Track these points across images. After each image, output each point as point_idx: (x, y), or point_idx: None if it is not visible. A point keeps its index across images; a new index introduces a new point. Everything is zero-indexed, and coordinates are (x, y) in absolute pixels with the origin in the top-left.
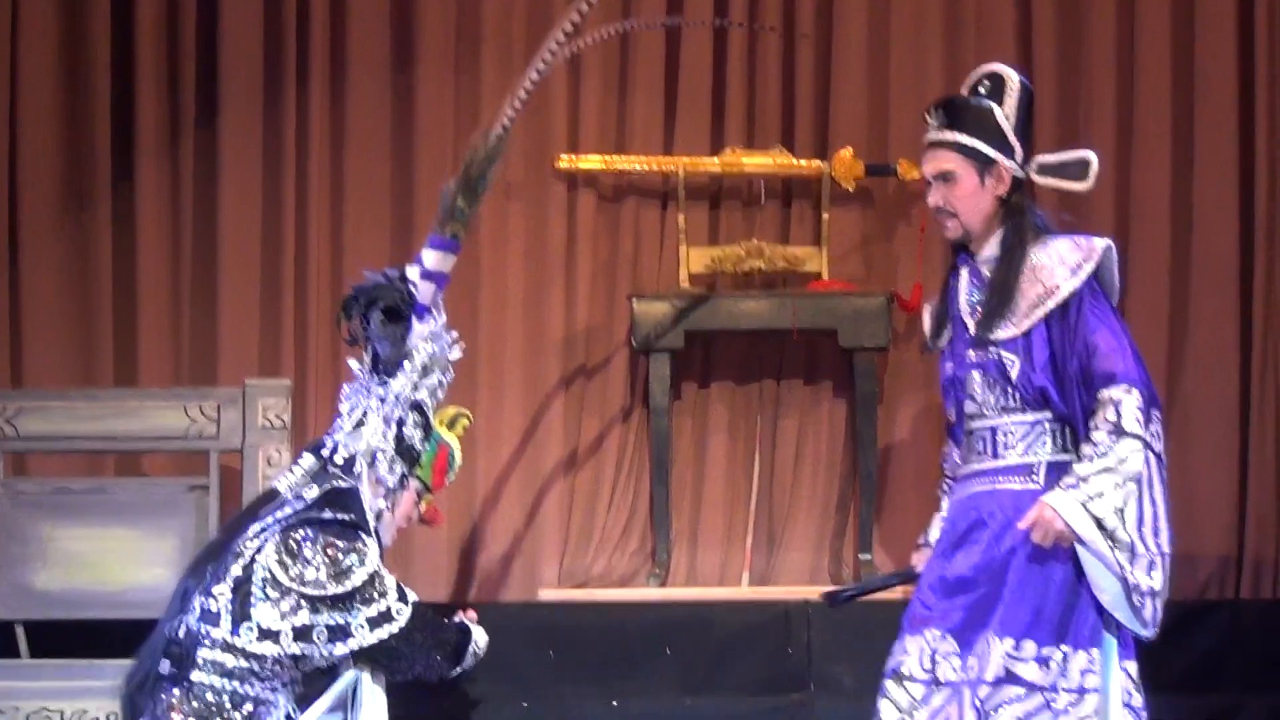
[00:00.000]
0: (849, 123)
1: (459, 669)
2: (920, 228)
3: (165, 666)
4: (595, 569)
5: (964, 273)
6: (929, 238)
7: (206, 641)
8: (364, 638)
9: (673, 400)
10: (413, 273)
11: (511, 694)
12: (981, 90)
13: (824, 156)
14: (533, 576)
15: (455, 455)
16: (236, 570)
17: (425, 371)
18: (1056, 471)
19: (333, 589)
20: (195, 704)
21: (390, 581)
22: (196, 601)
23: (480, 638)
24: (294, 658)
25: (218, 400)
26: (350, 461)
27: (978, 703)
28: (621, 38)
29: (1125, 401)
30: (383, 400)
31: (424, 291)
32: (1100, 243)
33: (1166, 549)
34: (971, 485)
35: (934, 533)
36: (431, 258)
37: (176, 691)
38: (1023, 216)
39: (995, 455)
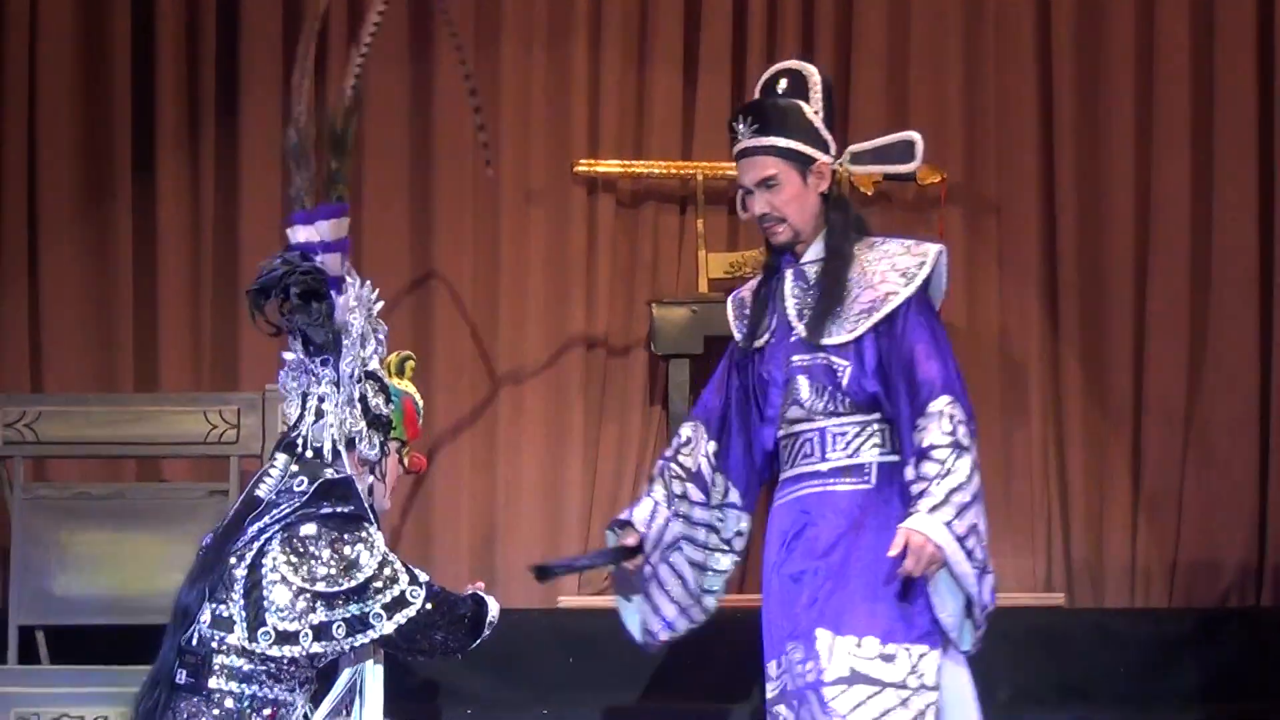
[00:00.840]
0: (868, 127)
1: (477, 641)
2: (939, 231)
3: (182, 676)
4: None
5: (788, 275)
6: (949, 240)
7: (222, 648)
8: (383, 626)
9: (692, 406)
10: (303, 235)
11: (531, 700)
12: (779, 89)
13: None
14: (552, 583)
15: (418, 400)
16: (242, 573)
17: (364, 340)
18: (888, 471)
19: (345, 583)
20: (216, 712)
21: (400, 565)
22: (207, 609)
23: (494, 607)
24: (312, 656)
25: (238, 405)
26: (329, 449)
27: (824, 698)
28: (640, 40)
29: (956, 415)
30: (337, 384)
31: (332, 264)
32: (933, 248)
33: (991, 566)
34: (799, 488)
35: (640, 511)
36: (327, 228)
37: (196, 700)
38: (845, 213)
39: (823, 458)
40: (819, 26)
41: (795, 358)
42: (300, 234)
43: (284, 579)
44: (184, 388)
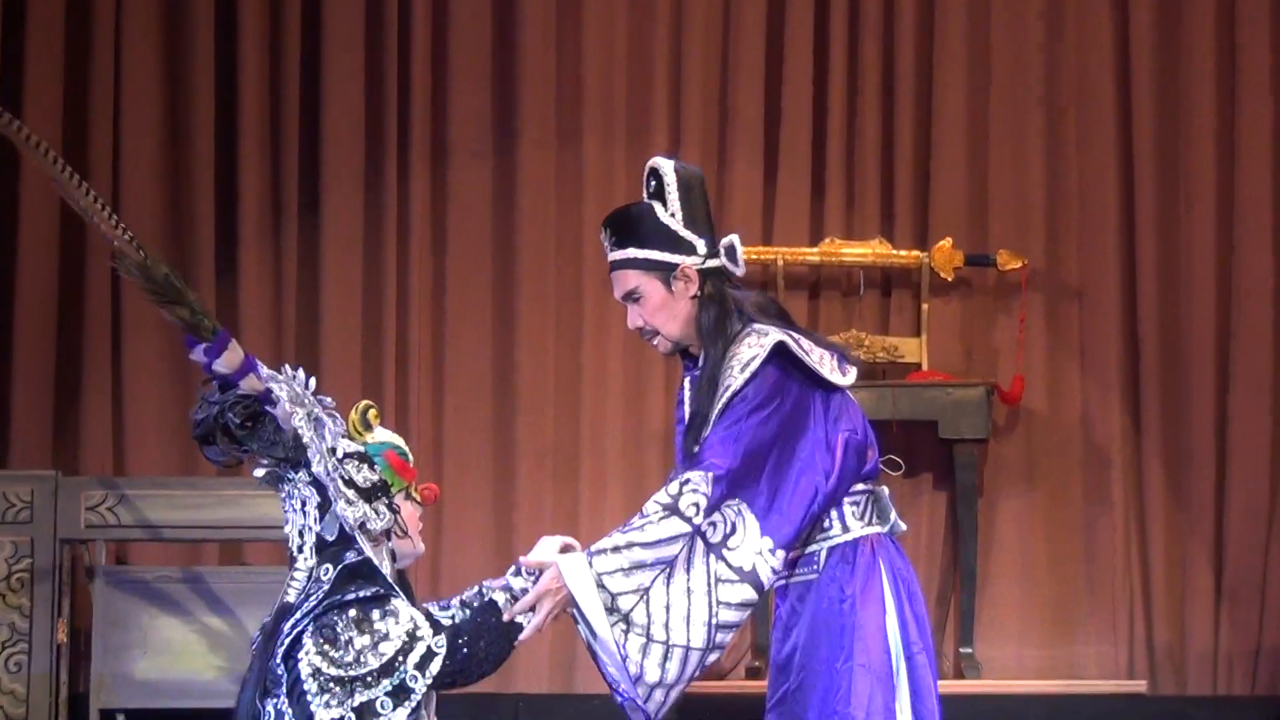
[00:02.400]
0: (948, 213)
1: (520, 636)
2: (1020, 318)
3: None
4: None
5: (686, 382)
6: (1030, 327)
7: None
8: (420, 685)
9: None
10: (193, 356)
11: None
12: (648, 192)
13: (923, 247)
14: None
15: (397, 444)
16: (281, 670)
17: (319, 429)
18: (838, 554)
19: (375, 662)
20: None
21: (421, 620)
22: (270, 704)
23: (514, 586)
24: None
25: None
26: (342, 538)
27: None
28: (720, 131)
29: (696, 486)
30: (319, 485)
31: (250, 385)
32: (769, 340)
33: (696, 644)
34: None
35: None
36: (223, 364)
37: None
38: (716, 311)
39: None
40: (899, 115)
41: None
42: (195, 354)
43: (318, 670)
44: None
